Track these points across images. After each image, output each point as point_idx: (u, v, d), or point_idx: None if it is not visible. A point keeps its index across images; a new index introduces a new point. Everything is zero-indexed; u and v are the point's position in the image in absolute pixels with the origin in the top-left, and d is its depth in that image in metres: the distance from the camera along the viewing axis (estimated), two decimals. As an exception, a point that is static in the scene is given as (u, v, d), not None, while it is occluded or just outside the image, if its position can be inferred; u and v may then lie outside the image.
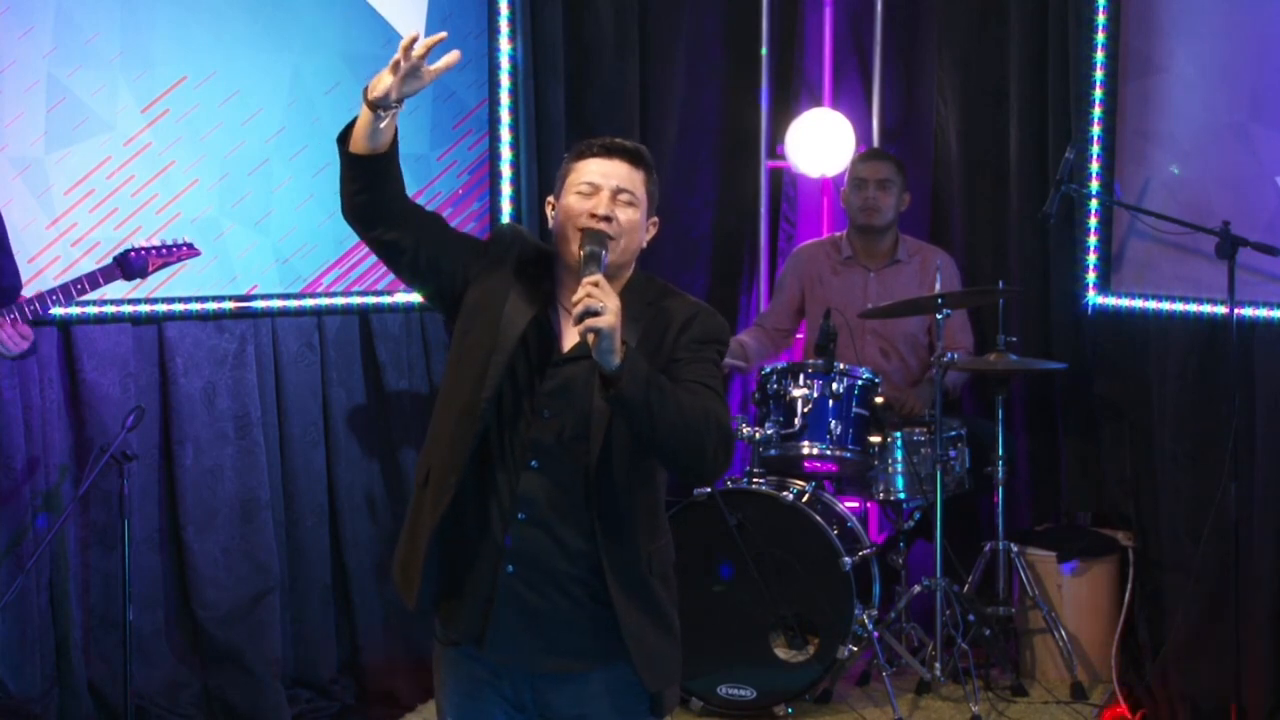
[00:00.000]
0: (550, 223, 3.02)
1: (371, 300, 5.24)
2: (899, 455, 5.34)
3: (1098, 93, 5.28)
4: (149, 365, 4.91)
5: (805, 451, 5.23)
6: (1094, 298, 5.38)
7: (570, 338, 2.95)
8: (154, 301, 4.85)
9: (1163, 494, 5.21)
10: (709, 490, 4.99)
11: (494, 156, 5.42)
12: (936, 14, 6.01)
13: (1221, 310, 4.82)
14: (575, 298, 2.73)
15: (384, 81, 2.79)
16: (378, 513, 5.30)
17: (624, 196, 2.95)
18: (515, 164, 5.42)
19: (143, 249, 4.46)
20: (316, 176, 5.10)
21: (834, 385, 5.22)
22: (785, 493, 5.11)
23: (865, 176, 5.67)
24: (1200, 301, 5.05)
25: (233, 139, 4.96)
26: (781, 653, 5.02)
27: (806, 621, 5.02)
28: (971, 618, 5.23)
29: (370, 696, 5.26)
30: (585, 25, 5.71)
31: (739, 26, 6.15)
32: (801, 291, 5.80)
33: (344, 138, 2.90)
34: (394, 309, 5.27)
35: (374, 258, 5.26)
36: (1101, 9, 5.24)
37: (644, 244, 3.02)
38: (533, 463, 2.92)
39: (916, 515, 5.48)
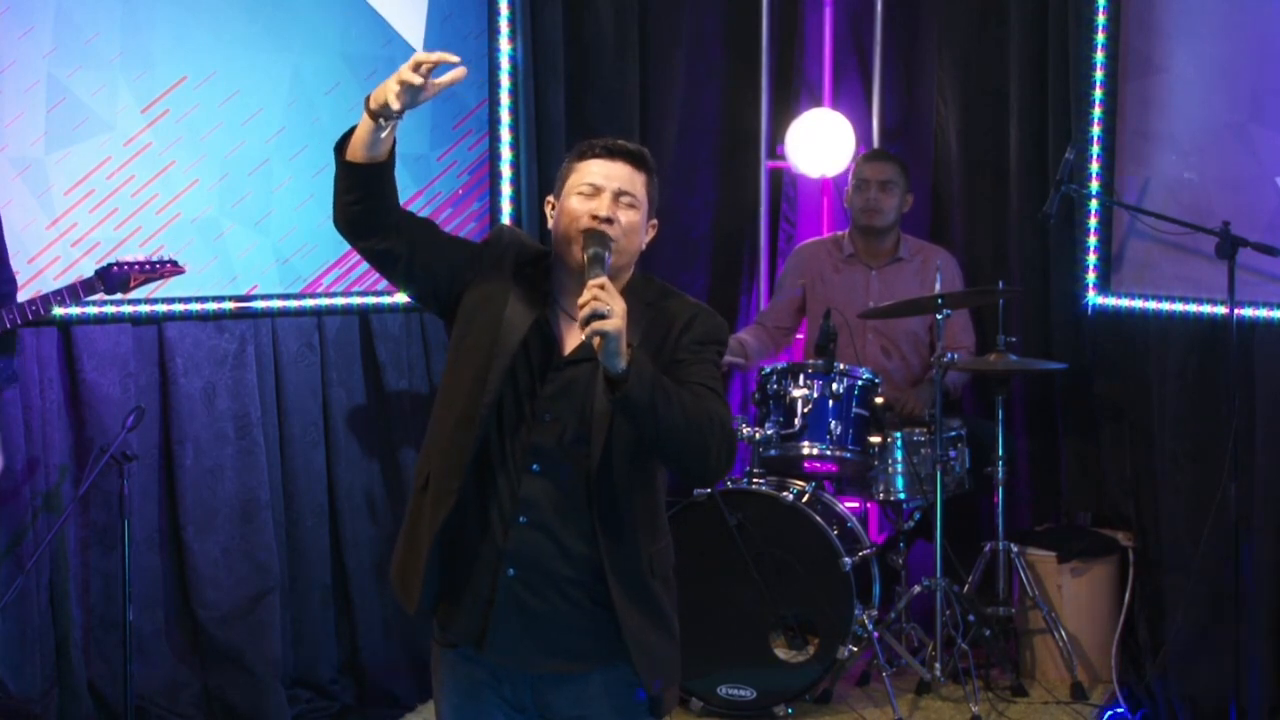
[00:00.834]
0: (550, 223, 3.02)
1: (371, 300, 5.24)
2: (899, 455, 5.34)
3: (1098, 93, 5.28)
4: (149, 365, 4.91)
5: (805, 452, 5.23)
6: (1094, 298, 5.38)
7: (571, 340, 2.95)
8: (154, 301, 4.85)
9: (1163, 494, 5.21)
10: (709, 491, 4.99)
11: (494, 156, 5.42)
12: (936, 14, 6.01)
13: (1221, 310, 4.82)
14: (581, 300, 2.72)
15: (388, 91, 2.78)
16: (378, 513, 5.29)
17: (625, 199, 2.95)
18: (515, 164, 5.42)
19: (126, 263, 4.46)
20: (316, 176, 5.10)
21: (834, 385, 5.22)
22: (785, 493, 5.11)
23: (868, 177, 5.67)
24: (1200, 301, 5.05)
25: (233, 139, 4.96)
26: (781, 653, 5.02)
27: (806, 621, 5.02)
28: (971, 618, 5.23)
29: (370, 696, 5.26)
30: (585, 25, 5.71)
31: (739, 26, 6.15)
32: (803, 290, 5.80)
33: (341, 146, 2.87)
34: (394, 309, 5.27)
35: (374, 258, 5.28)
36: (1101, 9, 5.24)
37: (644, 246, 3.01)
38: (534, 466, 2.92)
39: (916, 515, 5.48)
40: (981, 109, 5.85)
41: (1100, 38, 5.26)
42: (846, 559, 4.97)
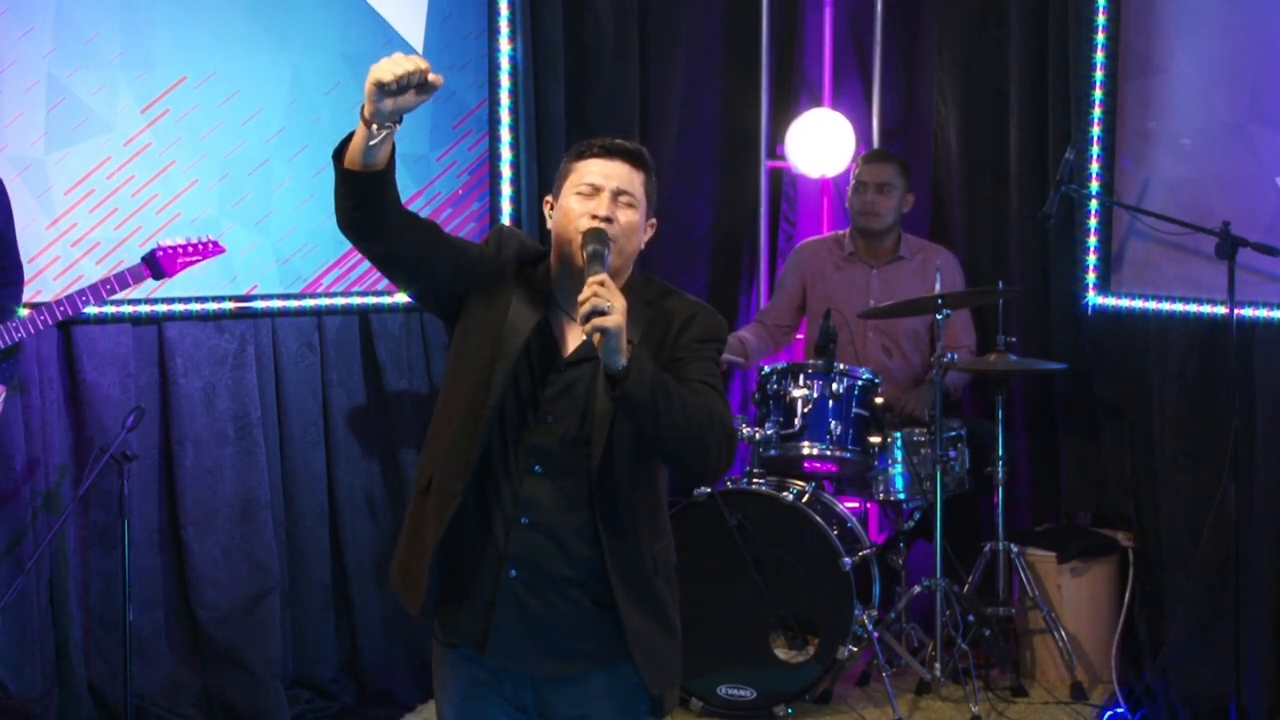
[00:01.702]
0: (549, 222, 3.02)
1: (371, 300, 5.24)
2: (899, 455, 5.34)
3: (1098, 93, 5.28)
4: (149, 365, 4.91)
5: (805, 452, 5.23)
6: (1094, 298, 5.38)
7: (571, 341, 2.95)
8: (154, 301, 4.85)
9: (1163, 494, 5.21)
10: (709, 491, 4.99)
11: (494, 156, 5.42)
12: (936, 14, 6.01)
13: (1221, 310, 4.82)
14: (581, 297, 2.71)
15: (365, 95, 2.73)
16: (378, 513, 5.29)
17: (624, 198, 2.95)
18: (515, 164, 5.42)
19: (170, 248, 4.48)
20: (316, 176, 5.10)
21: (834, 385, 5.22)
22: (785, 493, 5.11)
23: (865, 180, 5.67)
24: (1200, 302, 5.05)
25: (233, 139, 4.96)
26: (781, 653, 5.02)
27: (806, 621, 5.02)
28: (971, 618, 5.23)
29: (370, 696, 5.26)
30: (585, 26, 5.71)
31: (739, 26, 6.15)
32: (803, 288, 5.81)
33: (339, 153, 2.84)
34: (394, 309, 5.27)
35: (374, 258, 5.28)
36: (1101, 9, 5.25)
37: (642, 245, 3.01)
38: (536, 468, 2.92)
39: (916, 515, 5.48)
40: (981, 109, 5.85)
41: (1100, 38, 5.26)
42: (846, 559, 4.97)
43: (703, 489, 5.00)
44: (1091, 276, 5.38)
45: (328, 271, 5.16)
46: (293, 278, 5.11)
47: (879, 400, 5.29)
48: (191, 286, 4.87)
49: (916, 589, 5.27)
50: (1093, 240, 5.38)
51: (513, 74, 5.40)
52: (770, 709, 5.03)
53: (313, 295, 5.15)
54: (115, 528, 4.69)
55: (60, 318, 4.33)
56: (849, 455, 5.24)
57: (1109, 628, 5.40)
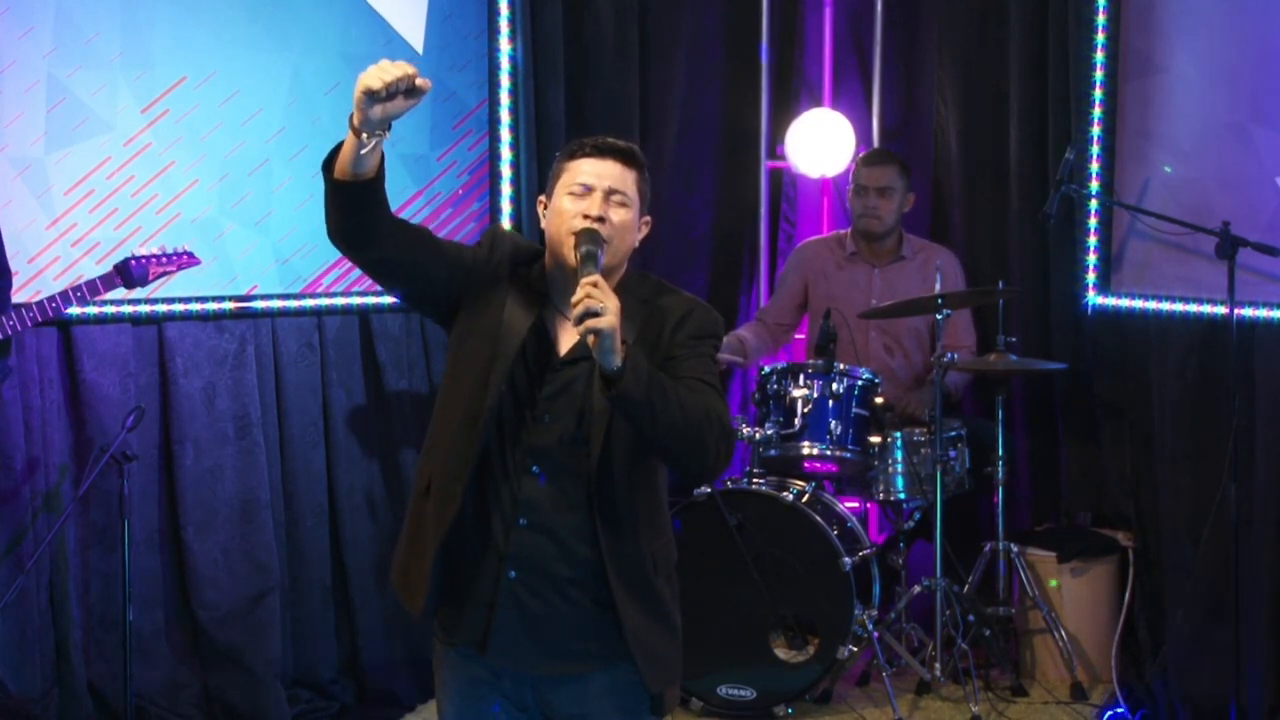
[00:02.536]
0: (542, 222, 3.01)
1: (371, 300, 5.24)
2: (899, 455, 5.34)
3: (1098, 93, 5.28)
4: (149, 365, 4.91)
5: (805, 452, 5.23)
6: (1094, 298, 5.38)
7: (567, 340, 2.95)
8: (154, 302, 4.85)
9: (1163, 494, 5.21)
10: (709, 490, 4.99)
11: (494, 156, 5.42)
12: (936, 14, 6.01)
13: (1221, 310, 4.82)
14: (575, 298, 2.72)
15: (354, 102, 2.74)
16: (378, 513, 5.29)
17: (617, 197, 2.94)
18: (515, 164, 5.42)
19: (143, 257, 4.47)
20: (316, 176, 4.98)
21: (834, 385, 5.22)
22: (785, 493, 5.11)
23: (866, 184, 5.66)
24: (1200, 301, 5.05)
25: (233, 139, 4.96)
26: (781, 653, 5.02)
27: (806, 621, 5.02)
28: (971, 618, 5.23)
29: (370, 696, 5.26)
30: (585, 25, 5.71)
31: (739, 26, 6.15)
32: (804, 287, 5.80)
33: (328, 163, 2.83)
34: (394, 309, 5.27)
35: (374, 259, 5.27)
36: (1101, 9, 5.24)
37: (636, 244, 3.01)
38: (534, 468, 2.92)
39: (916, 515, 5.47)
40: (981, 109, 5.85)
41: (1100, 38, 5.26)
42: (846, 559, 4.97)
43: (703, 489, 5.00)
44: (1091, 276, 5.38)
45: (328, 271, 5.16)
46: (293, 278, 5.11)
47: (879, 400, 5.29)
48: (191, 286, 4.87)
49: (916, 589, 5.26)
50: (1093, 240, 5.37)
51: (513, 74, 5.40)
52: (770, 709, 5.03)
53: (313, 295, 5.14)
54: (115, 528, 4.69)
55: (29, 324, 4.32)
56: (849, 455, 5.24)
57: (1109, 628, 5.39)
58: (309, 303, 5.14)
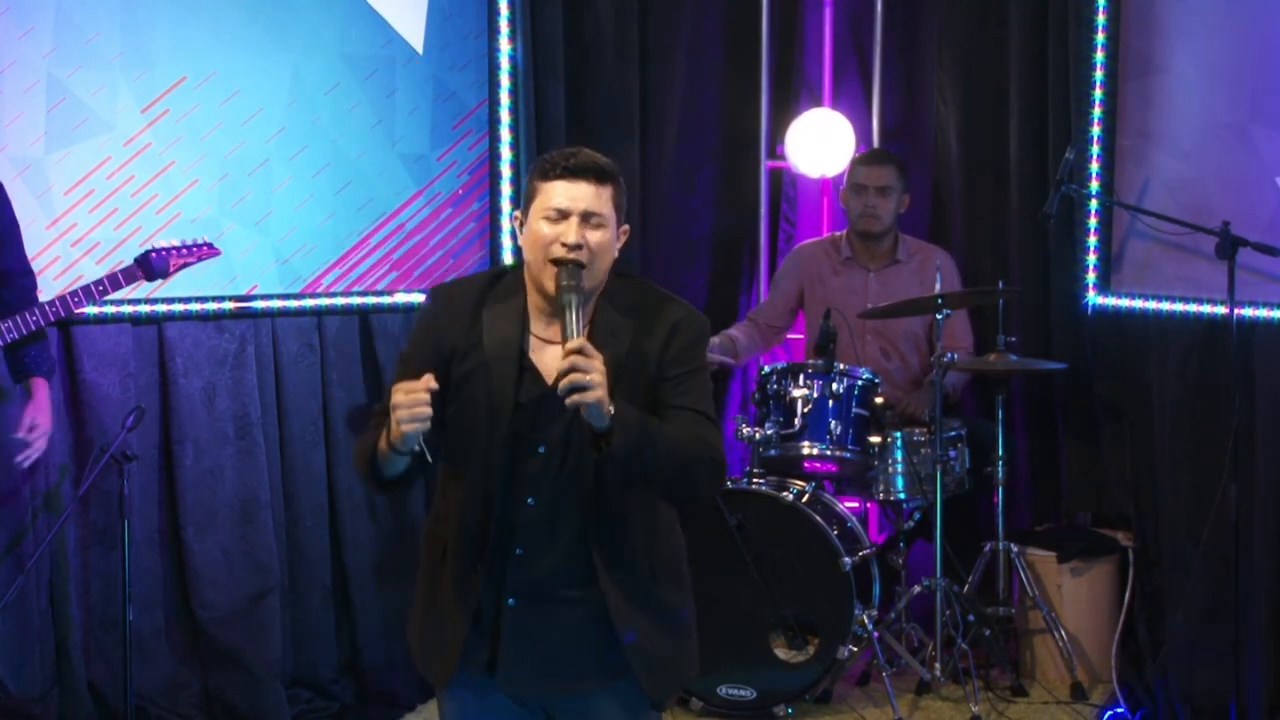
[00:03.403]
0: (519, 238, 2.97)
1: (371, 300, 5.24)
2: (899, 455, 5.34)
3: (1098, 93, 5.28)
4: (149, 365, 4.91)
5: (805, 451, 5.23)
6: (1094, 298, 5.37)
7: (549, 363, 2.89)
8: (154, 301, 4.85)
9: (1163, 494, 5.21)
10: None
11: (494, 156, 5.42)
12: (936, 14, 6.01)
13: (1221, 310, 4.82)
14: (560, 369, 2.71)
15: (400, 430, 2.75)
16: (378, 513, 5.29)
17: (593, 219, 2.89)
18: (515, 164, 5.42)
19: (164, 249, 4.45)
20: (316, 176, 5.10)
21: (834, 385, 5.22)
22: (785, 493, 5.11)
23: (865, 183, 5.66)
24: (1200, 301, 5.05)
25: (233, 139, 4.96)
26: (781, 653, 5.02)
27: (806, 621, 5.02)
28: (971, 618, 5.23)
29: (370, 696, 5.26)
30: (585, 25, 5.71)
31: (739, 26, 6.15)
32: (799, 290, 5.80)
33: (364, 456, 2.90)
34: (394, 309, 5.27)
35: (374, 257, 5.32)
36: (1101, 9, 5.24)
37: (616, 254, 2.96)
38: (530, 499, 2.92)
39: (916, 515, 5.47)
40: (981, 109, 5.85)
41: (1100, 38, 5.26)
42: (846, 559, 4.97)
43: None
44: (1091, 276, 5.38)
45: (328, 271, 5.16)
46: (293, 278, 5.11)
47: (879, 400, 5.28)
48: (191, 286, 4.87)
49: (916, 589, 5.26)
50: (1093, 240, 5.37)
51: (513, 74, 5.40)
52: (770, 709, 5.03)
53: (313, 295, 5.14)
54: (115, 528, 4.69)
55: (52, 318, 4.31)
56: (849, 455, 5.24)
57: (1109, 628, 5.39)
58: (309, 303, 5.14)
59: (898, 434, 5.32)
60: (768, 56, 6.15)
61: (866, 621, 5.03)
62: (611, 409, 2.73)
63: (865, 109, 6.19)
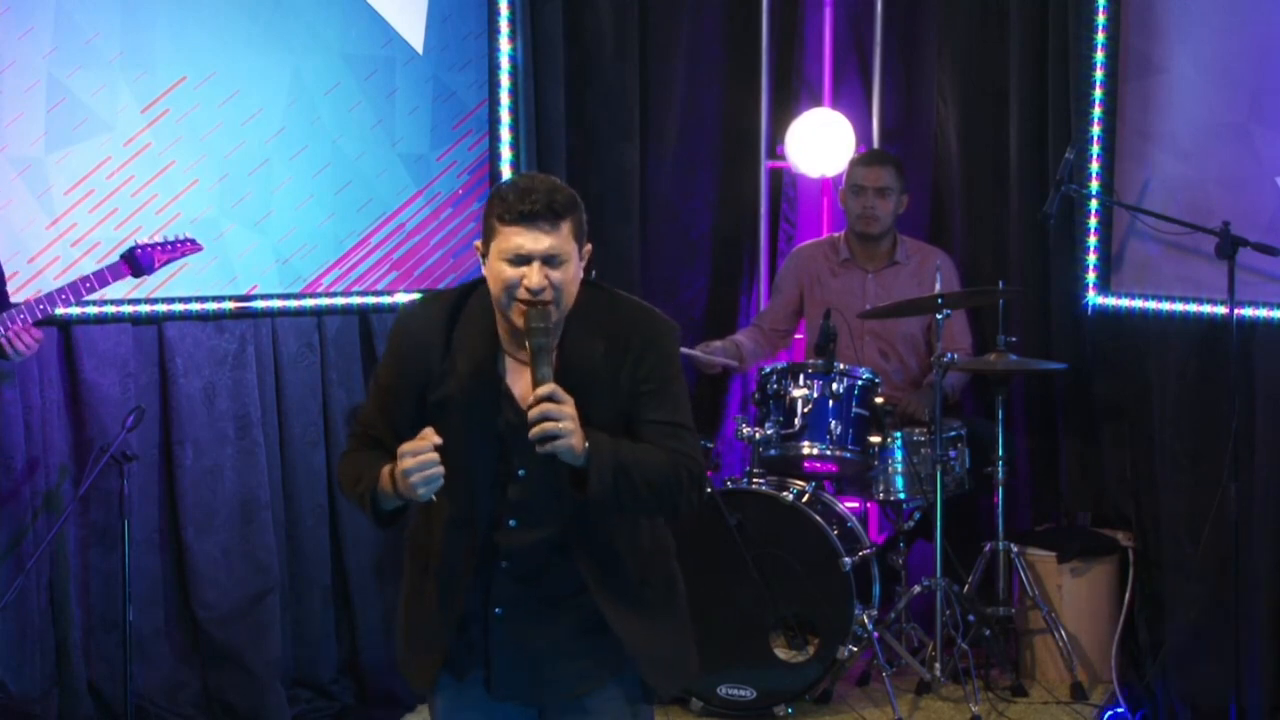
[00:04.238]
0: (482, 268, 2.92)
1: (371, 300, 5.24)
2: (899, 455, 5.34)
3: (1098, 93, 5.28)
4: (149, 365, 4.91)
5: (805, 451, 5.23)
6: (1094, 298, 5.37)
7: (526, 389, 2.86)
8: (154, 301, 4.85)
9: (1163, 494, 5.20)
10: (709, 490, 4.99)
11: (494, 156, 5.42)
12: (936, 14, 6.01)
13: (1221, 310, 4.82)
14: (531, 417, 2.72)
15: (412, 491, 2.78)
16: (378, 513, 5.28)
17: (555, 261, 2.84)
18: (515, 164, 5.42)
19: (148, 245, 4.47)
20: (316, 176, 5.10)
21: (834, 385, 5.21)
22: (785, 493, 5.11)
23: (864, 184, 5.66)
24: (1200, 301, 5.05)
25: (233, 139, 4.96)
26: (781, 653, 5.02)
27: (806, 621, 5.02)
28: (971, 618, 5.23)
29: (370, 696, 5.26)
30: (585, 25, 5.71)
31: (739, 26, 6.15)
32: (800, 293, 5.80)
33: (364, 498, 2.93)
34: (394, 309, 5.27)
35: (374, 257, 5.32)
36: (1101, 9, 5.24)
37: (582, 274, 2.92)
38: (511, 521, 2.91)
39: (916, 515, 5.47)
40: (981, 109, 5.85)
41: (1100, 38, 5.25)
42: (846, 559, 4.97)
43: (702, 489, 4.99)
44: (1091, 276, 5.37)
45: (328, 271, 5.16)
46: (293, 278, 5.11)
47: (879, 400, 5.29)
48: (191, 286, 4.87)
49: (916, 589, 5.26)
50: (1093, 240, 5.37)
51: (513, 74, 5.40)
52: (770, 709, 5.03)
53: (313, 295, 5.14)
54: (115, 528, 4.69)
55: (39, 315, 4.31)
56: (849, 455, 5.24)
57: (1109, 628, 5.39)
58: (309, 303, 5.14)
59: (898, 434, 5.32)
60: (768, 56, 6.15)
61: (866, 621, 5.03)
62: (585, 449, 2.75)
63: (865, 109, 6.19)
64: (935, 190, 6.07)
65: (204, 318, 4.95)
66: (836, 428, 5.22)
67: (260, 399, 5.04)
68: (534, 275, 2.82)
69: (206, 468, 4.97)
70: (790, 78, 6.30)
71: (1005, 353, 5.17)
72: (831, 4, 6.23)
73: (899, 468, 5.34)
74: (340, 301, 5.19)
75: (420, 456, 2.75)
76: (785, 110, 6.21)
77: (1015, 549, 5.35)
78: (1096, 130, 5.29)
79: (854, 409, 5.23)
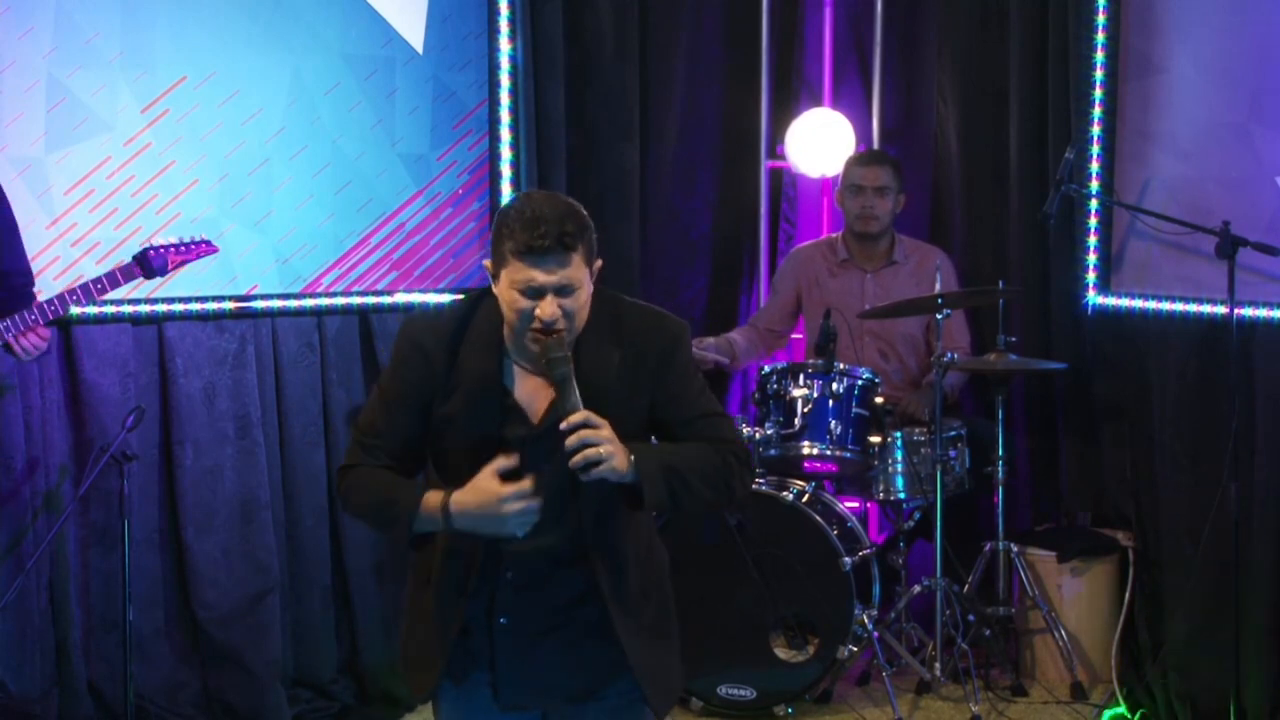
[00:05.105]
0: (492, 286, 2.90)
1: (371, 300, 5.24)
2: (899, 455, 5.34)
3: (1098, 93, 5.28)
4: (149, 365, 4.91)
5: (805, 451, 5.23)
6: (1094, 298, 5.37)
7: (535, 398, 2.89)
8: (154, 301, 4.85)
9: (1163, 494, 5.20)
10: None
11: (494, 156, 5.42)
12: (936, 14, 6.01)
13: (1221, 310, 4.82)
14: (569, 445, 2.73)
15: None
16: (378, 513, 5.28)
17: (566, 289, 2.82)
18: (515, 164, 5.42)
19: (161, 247, 4.44)
20: (316, 176, 5.10)
21: (834, 385, 5.22)
22: (785, 493, 5.11)
23: (862, 183, 5.66)
24: (1200, 301, 5.05)
25: (233, 139, 4.96)
26: (781, 653, 5.02)
27: (806, 621, 5.02)
28: (971, 618, 5.23)
29: (370, 696, 5.26)
30: (585, 25, 5.71)
31: (739, 26, 6.15)
32: (797, 294, 5.80)
33: (397, 523, 2.94)
34: (394, 309, 5.27)
35: (374, 257, 5.32)
36: (1101, 9, 5.24)
37: (592, 288, 2.90)
38: (519, 533, 2.90)
39: (916, 515, 5.47)
40: (981, 109, 5.85)
41: (1100, 38, 5.25)
42: (846, 559, 4.97)
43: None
44: (1091, 276, 5.37)
45: (328, 271, 5.16)
46: (293, 278, 5.11)
47: (879, 400, 5.29)
48: (191, 286, 4.87)
49: (916, 589, 5.27)
50: (1093, 240, 5.37)
51: (513, 74, 5.40)
52: (770, 709, 5.04)
53: (313, 295, 5.14)
54: (115, 528, 4.69)
55: (50, 317, 4.31)
56: (849, 455, 5.24)
57: (1109, 627, 5.39)
58: (309, 303, 5.14)
59: (898, 434, 5.32)
60: (768, 56, 6.15)
61: (866, 621, 5.03)
62: (630, 463, 2.77)
63: (865, 109, 6.19)
64: (935, 190, 6.08)
65: (204, 318, 4.95)
66: (836, 428, 5.22)
67: (260, 399, 5.04)
68: (547, 307, 2.80)
69: (206, 468, 4.97)
70: (790, 78, 6.30)
71: (1005, 352, 5.17)
72: (831, 4, 6.23)
73: (899, 467, 5.35)
74: (340, 301, 5.19)
75: (526, 503, 2.78)
76: (785, 110, 6.21)
77: (1015, 549, 5.35)
78: (1096, 130, 5.29)
79: (854, 409, 5.24)
